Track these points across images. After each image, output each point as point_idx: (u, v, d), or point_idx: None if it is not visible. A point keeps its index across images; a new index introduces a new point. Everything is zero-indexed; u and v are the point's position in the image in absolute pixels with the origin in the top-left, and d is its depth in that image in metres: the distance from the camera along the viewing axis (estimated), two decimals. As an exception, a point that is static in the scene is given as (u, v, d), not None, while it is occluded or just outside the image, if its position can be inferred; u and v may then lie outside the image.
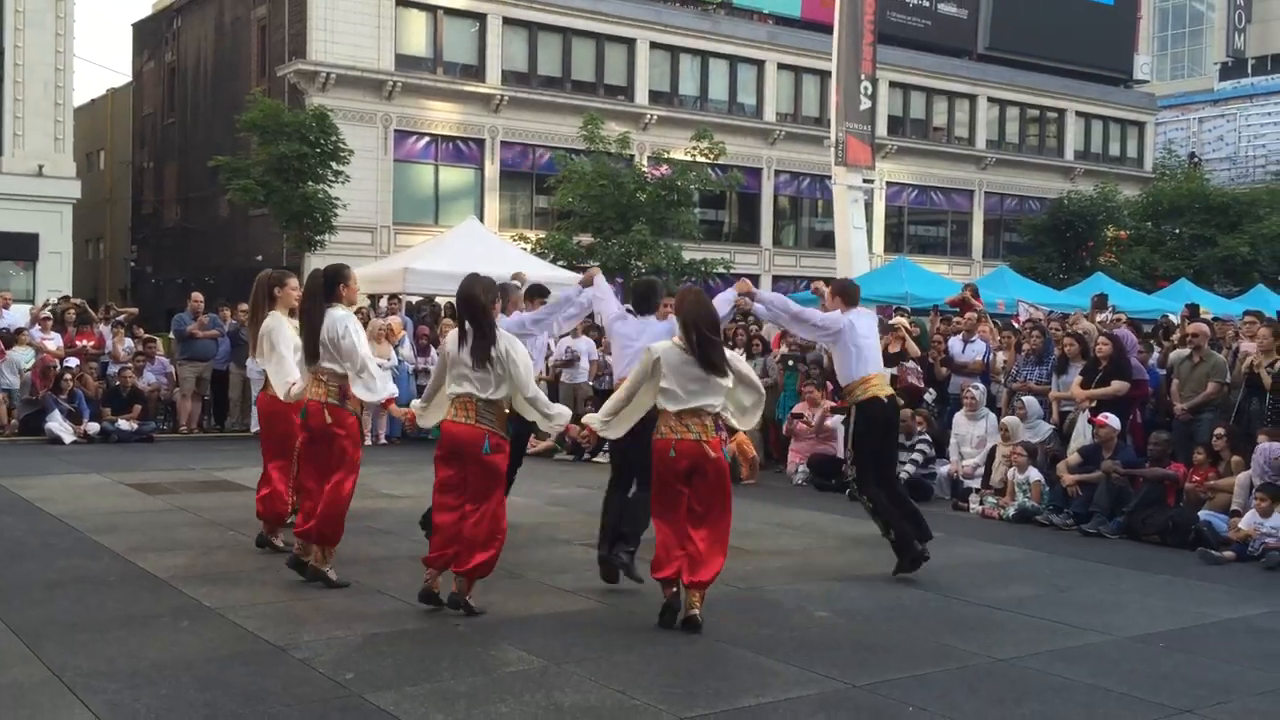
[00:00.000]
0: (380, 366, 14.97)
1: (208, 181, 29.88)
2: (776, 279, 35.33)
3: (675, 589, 6.32)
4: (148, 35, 39.47)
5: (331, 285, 7.05)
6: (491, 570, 6.47)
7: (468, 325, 6.32)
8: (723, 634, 6.23)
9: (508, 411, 6.48)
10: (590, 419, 6.78)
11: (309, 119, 23.75)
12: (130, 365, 15.59)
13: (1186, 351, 11.20)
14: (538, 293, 8.82)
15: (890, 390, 8.23)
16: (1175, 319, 15.91)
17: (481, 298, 6.33)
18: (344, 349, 6.86)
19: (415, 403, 7.00)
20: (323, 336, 6.89)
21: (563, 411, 6.65)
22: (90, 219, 37.47)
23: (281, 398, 7.57)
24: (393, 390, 7.17)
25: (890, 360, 12.79)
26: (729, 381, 6.34)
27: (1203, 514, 9.46)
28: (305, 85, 27.94)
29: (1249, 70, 52.51)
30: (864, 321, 8.12)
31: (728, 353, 6.45)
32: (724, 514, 6.43)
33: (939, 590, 7.57)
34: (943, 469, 11.92)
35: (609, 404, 6.69)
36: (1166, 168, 41.58)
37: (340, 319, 6.93)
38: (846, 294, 8.17)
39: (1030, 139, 42.12)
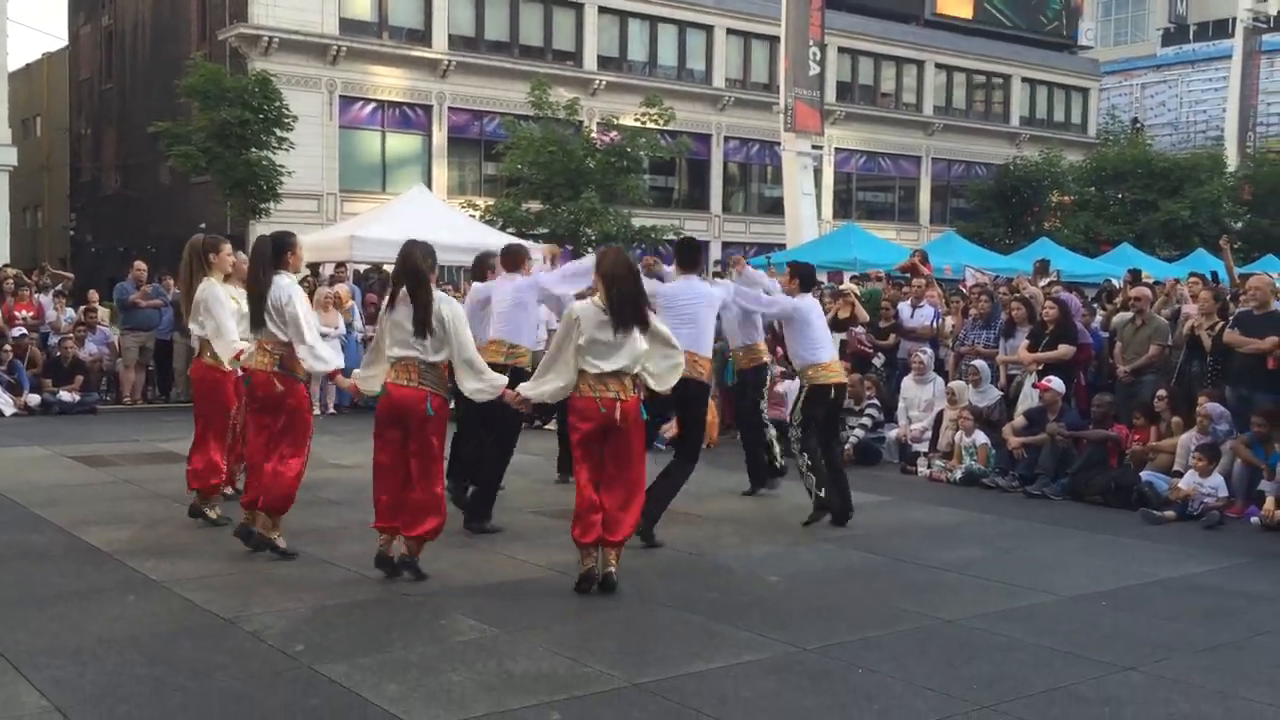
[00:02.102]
0: (327, 335, 14.98)
1: (148, 148, 29.32)
2: (726, 245, 35.38)
3: (594, 558, 6.31)
4: (83, -2, 38.52)
5: (279, 252, 6.98)
6: (439, 534, 6.49)
7: (404, 291, 6.27)
8: (674, 599, 6.26)
9: (448, 374, 6.45)
10: (522, 386, 6.74)
11: (251, 84, 23.31)
12: (71, 336, 15.30)
13: (1129, 315, 11.35)
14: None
15: (843, 378, 8.87)
16: (1118, 283, 16.11)
17: (420, 263, 6.29)
18: (288, 317, 6.78)
19: (357, 371, 6.90)
20: (269, 303, 6.81)
21: (497, 377, 6.55)
22: (27, 186, 36.68)
23: (226, 365, 7.61)
24: (339, 361, 7.09)
25: (839, 326, 12.90)
26: (644, 343, 6.32)
27: (1144, 474, 9.63)
28: (247, 50, 27.42)
29: (1190, 36, 53.11)
30: (817, 309, 8.80)
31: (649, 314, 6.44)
32: (637, 473, 6.42)
33: (888, 553, 7.65)
34: (891, 433, 12.02)
35: (539, 368, 6.64)
36: (1110, 133, 42.10)
37: (285, 287, 6.86)
38: (803, 278, 8.79)
39: (977, 105, 42.41)
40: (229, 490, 8.38)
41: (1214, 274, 14.63)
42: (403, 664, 5.08)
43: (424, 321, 6.20)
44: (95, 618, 5.67)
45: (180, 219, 29.58)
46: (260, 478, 6.94)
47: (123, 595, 6.10)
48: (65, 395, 14.65)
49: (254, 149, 23.10)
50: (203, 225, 26.16)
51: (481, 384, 6.42)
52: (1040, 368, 10.89)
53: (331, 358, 6.96)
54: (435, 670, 5.01)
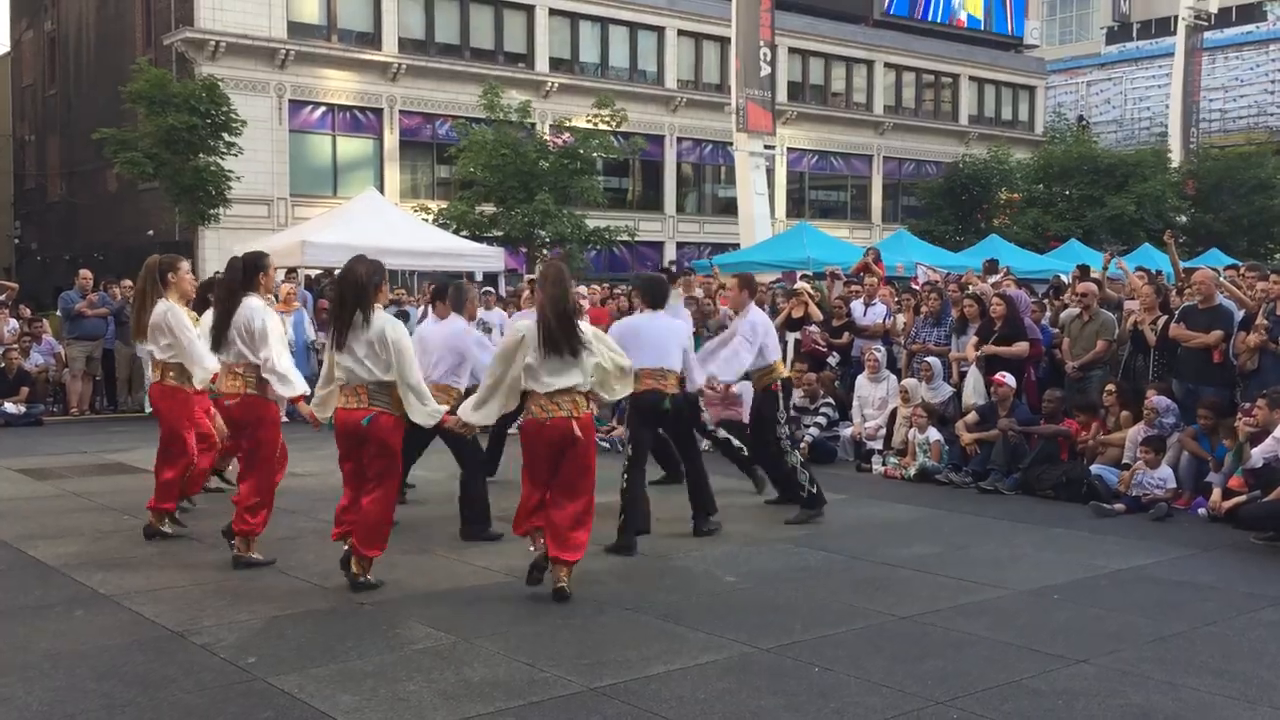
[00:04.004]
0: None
1: (94, 155, 28.83)
2: (681, 245, 35.45)
3: (538, 544, 6.33)
4: (26, 2, 37.91)
5: (251, 274, 6.90)
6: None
7: (349, 308, 6.20)
8: (631, 602, 6.26)
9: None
10: (461, 409, 6.64)
11: (198, 89, 23.00)
12: (15, 347, 15.05)
13: (1076, 310, 11.48)
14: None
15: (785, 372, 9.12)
16: (1066, 278, 16.29)
17: (363, 279, 6.23)
18: (257, 341, 6.70)
19: (315, 398, 6.75)
20: (236, 326, 6.72)
21: (435, 406, 6.44)
22: (-31, 195, 36.01)
23: (199, 386, 7.57)
24: (304, 387, 6.93)
25: (794, 325, 12.96)
26: (592, 359, 6.28)
27: (1094, 468, 9.76)
28: (193, 54, 27.09)
29: (1134, 34, 53.90)
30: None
31: (589, 329, 6.39)
32: (588, 490, 6.38)
33: (843, 551, 7.69)
34: (846, 431, 12.08)
35: (480, 390, 6.57)
36: (1056, 131, 42.58)
37: (257, 309, 6.80)
38: (752, 286, 9.04)
39: (926, 104, 42.78)
40: (212, 483, 8.62)
41: (1159, 271, 14.83)
42: (358, 674, 5.03)
43: (345, 335, 6.16)
44: (42, 633, 5.58)
45: (128, 226, 29.22)
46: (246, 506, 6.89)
47: (70, 610, 6.01)
48: (10, 407, 14.40)
49: (202, 154, 22.81)
50: (150, 232, 25.93)
51: (426, 410, 6.34)
52: (979, 356, 11.01)
53: (299, 383, 6.85)
54: (391, 679, 4.97)
